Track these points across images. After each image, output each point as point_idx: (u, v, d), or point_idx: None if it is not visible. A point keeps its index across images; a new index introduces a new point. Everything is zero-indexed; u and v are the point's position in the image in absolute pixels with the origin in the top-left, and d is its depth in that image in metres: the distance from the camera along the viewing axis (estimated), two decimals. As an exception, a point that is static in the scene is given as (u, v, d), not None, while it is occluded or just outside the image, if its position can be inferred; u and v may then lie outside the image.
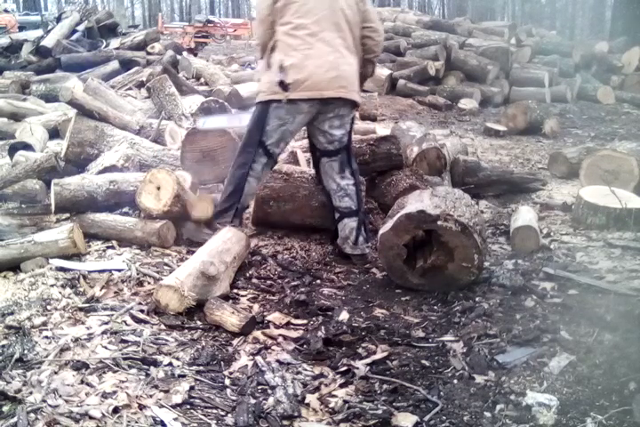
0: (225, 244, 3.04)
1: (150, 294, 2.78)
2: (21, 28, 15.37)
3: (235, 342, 2.56)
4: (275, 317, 2.75)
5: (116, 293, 2.86)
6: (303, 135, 5.89)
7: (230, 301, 2.87)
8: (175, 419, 1.99)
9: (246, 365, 2.39)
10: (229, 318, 2.61)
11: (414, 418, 2.03)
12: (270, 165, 3.45)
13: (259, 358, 2.42)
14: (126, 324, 2.56)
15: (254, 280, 3.11)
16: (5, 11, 17.42)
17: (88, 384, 2.11)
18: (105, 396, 2.05)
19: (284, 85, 3.10)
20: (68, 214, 3.50)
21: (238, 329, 2.58)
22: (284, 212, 3.62)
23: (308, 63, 3.09)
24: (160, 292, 2.66)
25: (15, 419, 1.85)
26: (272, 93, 3.17)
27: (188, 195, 3.42)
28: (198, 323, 2.68)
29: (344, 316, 2.77)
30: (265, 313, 2.79)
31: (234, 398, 2.18)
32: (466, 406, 2.05)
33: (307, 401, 2.17)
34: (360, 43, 3.25)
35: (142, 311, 2.66)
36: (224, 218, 3.40)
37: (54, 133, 5.66)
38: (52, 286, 2.86)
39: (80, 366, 2.21)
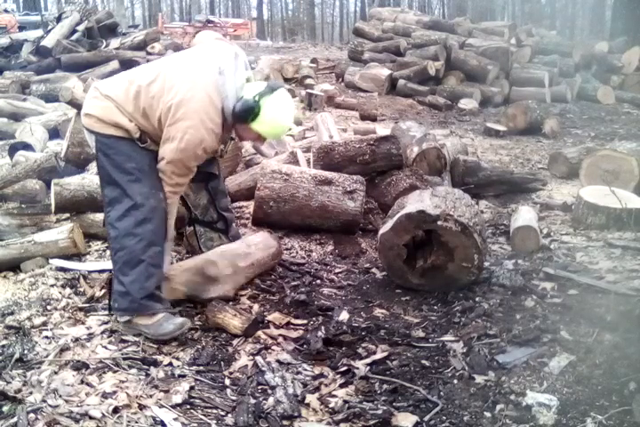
0: (248, 248, 3.00)
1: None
2: (21, 28, 15.38)
3: (235, 342, 2.56)
4: (275, 317, 2.75)
5: (116, 293, 2.86)
6: (303, 135, 5.92)
7: (230, 302, 2.88)
8: (175, 419, 1.99)
9: (246, 365, 2.39)
10: (231, 320, 2.60)
11: (414, 418, 2.03)
12: None
13: (259, 358, 2.42)
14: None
15: (254, 280, 3.10)
16: (5, 11, 17.42)
17: (88, 384, 2.12)
18: (105, 396, 2.06)
19: None
20: (67, 214, 3.51)
21: (241, 332, 2.56)
22: (283, 212, 3.62)
23: None
24: None
25: (15, 419, 1.85)
26: None
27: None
28: (198, 323, 2.68)
29: (344, 316, 2.77)
30: (265, 313, 2.79)
31: (234, 398, 2.18)
32: (466, 406, 2.05)
33: (307, 401, 2.17)
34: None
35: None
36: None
37: (54, 133, 5.66)
38: (52, 286, 2.86)
39: (80, 366, 2.21)
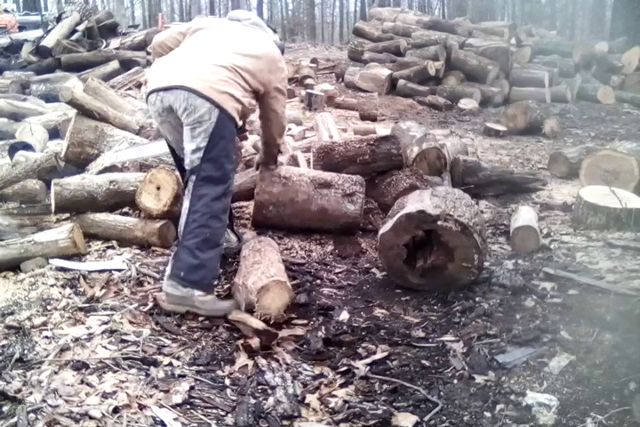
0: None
1: (147, 294, 2.79)
2: (21, 28, 15.37)
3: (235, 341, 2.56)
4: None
5: (116, 293, 2.87)
6: (303, 135, 5.93)
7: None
8: (175, 419, 1.99)
9: (246, 365, 2.39)
10: (253, 320, 2.58)
11: (414, 418, 2.03)
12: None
13: (259, 358, 2.42)
14: (127, 323, 2.56)
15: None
16: (5, 11, 17.40)
17: (88, 384, 2.11)
18: (105, 396, 2.05)
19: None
20: (67, 214, 3.50)
21: (262, 328, 2.52)
22: (283, 216, 3.60)
23: (165, 61, 2.85)
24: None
25: (15, 419, 1.85)
26: None
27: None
28: (198, 323, 2.68)
29: (344, 316, 2.77)
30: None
31: (234, 398, 2.18)
32: (466, 406, 2.05)
33: (307, 401, 2.17)
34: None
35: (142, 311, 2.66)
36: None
37: (54, 133, 5.66)
38: (52, 286, 2.86)
39: (80, 366, 2.21)
